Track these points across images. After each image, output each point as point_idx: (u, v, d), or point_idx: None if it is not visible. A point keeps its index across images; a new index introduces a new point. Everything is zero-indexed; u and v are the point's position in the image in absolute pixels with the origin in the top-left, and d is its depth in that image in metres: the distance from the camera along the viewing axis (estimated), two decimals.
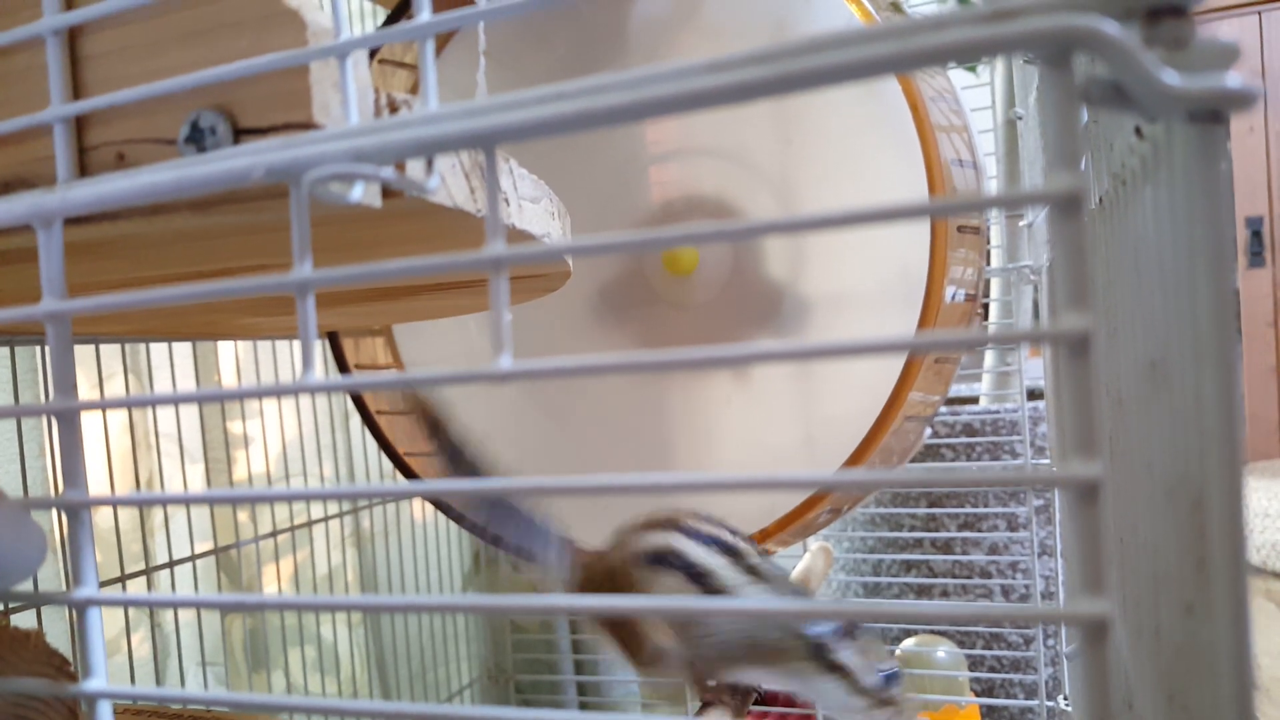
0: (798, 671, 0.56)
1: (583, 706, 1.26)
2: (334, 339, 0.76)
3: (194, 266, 0.38)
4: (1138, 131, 0.26)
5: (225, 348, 0.92)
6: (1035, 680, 0.93)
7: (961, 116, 0.69)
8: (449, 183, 0.26)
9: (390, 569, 1.10)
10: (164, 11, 0.25)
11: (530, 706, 1.26)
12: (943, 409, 1.07)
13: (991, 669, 1.07)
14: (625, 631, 0.56)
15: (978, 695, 1.02)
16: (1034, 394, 1.03)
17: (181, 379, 0.84)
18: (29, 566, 0.26)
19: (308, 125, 0.23)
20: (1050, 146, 0.17)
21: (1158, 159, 0.23)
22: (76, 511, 0.24)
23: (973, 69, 1.23)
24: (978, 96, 1.13)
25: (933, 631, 1.00)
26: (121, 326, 0.62)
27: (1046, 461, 0.98)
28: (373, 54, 0.69)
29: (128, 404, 0.24)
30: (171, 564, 0.74)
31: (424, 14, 0.22)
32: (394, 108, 0.24)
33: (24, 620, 0.63)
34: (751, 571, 0.58)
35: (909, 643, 0.94)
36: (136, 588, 0.74)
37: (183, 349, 0.86)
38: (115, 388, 0.79)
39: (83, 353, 0.75)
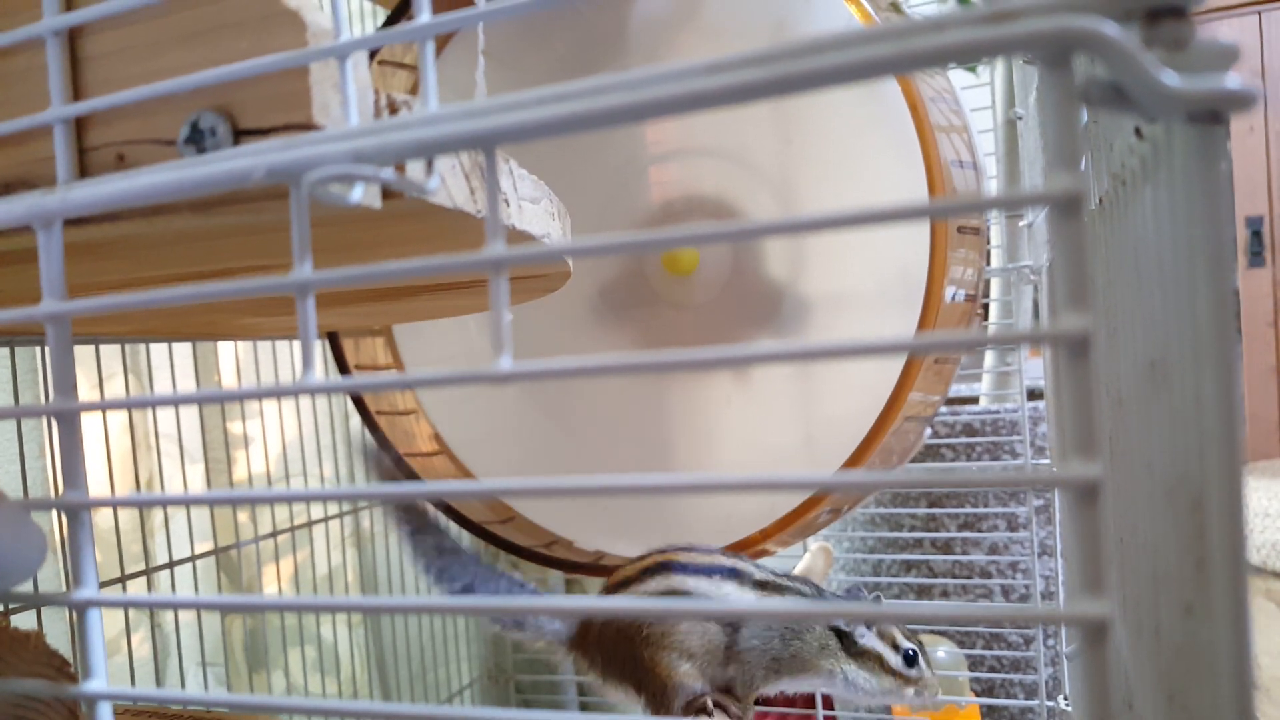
0: (829, 670, 0.56)
1: (583, 707, 1.26)
2: (334, 339, 0.76)
3: (194, 267, 0.38)
4: (1137, 132, 0.26)
5: (225, 348, 0.92)
6: (1035, 680, 0.93)
7: (961, 117, 0.69)
8: (449, 183, 0.26)
9: (390, 569, 1.10)
10: (164, 12, 0.25)
11: (530, 707, 1.26)
12: (943, 409, 1.07)
13: (991, 669, 1.07)
14: (646, 676, 0.56)
15: (978, 695, 1.02)
16: (1034, 394, 1.03)
17: (181, 379, 0.84)
18: (29, 567, 0.26)
19: (308, 126, 0.23)
20: (1050, 147, 0.17)
21: (1157, 159, 0.23)
22: (76, 512, 0.24)
23: (973, 69, 1.23)
24: (977, 97, 1.13)
25: (933, 631, 1.00)
26: (121, 327, 0.62)
27: (1046, 461, 0.98)
28: (373, 55, 0.69)
29: (128, 405, 0.24)
30: (171, 564, 0.74)
31: (424, 15, 0.22)
32: (394, 109, 0.24)
33: (24, 621, 0.63)
34: (761, 586, 0.58)
35: None
36: (136, 588, 0.74)
37: (183, 349, 0.86)
38: (115, 388, 0.79)
39: (83, 353, 0.75)
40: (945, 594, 1.09)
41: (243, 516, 0.88)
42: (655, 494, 0.66)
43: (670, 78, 0.18)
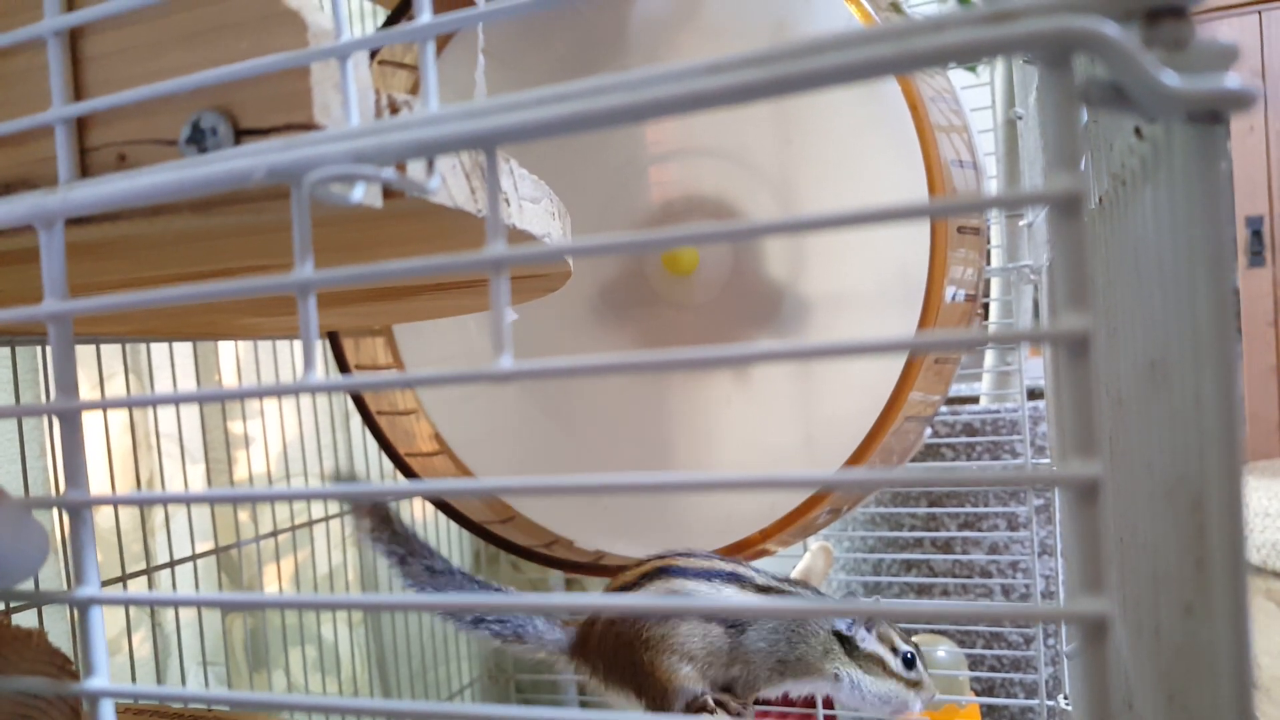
0: (832, 673, 0.57)
1: (583, 706, 1.26)
2: (334, 339, 0.76)
3: (195, 267, 0.38)
4: (1137, 132, 0.26)
5: (226, 348, 0.92)
6: (1035, 680, 0.93)
7: (961, 117, 0.69)
8: (449, 183, 0.26)
9: (390, 569, 1.10)
10: (165, 13, 0.25)
11: (530, 706, 1.26)
12: (943, 409, 1.07)
13: (992, 668, 1.07)
14: (646, 680, 0.56)
15: (978, 694, 1.02)
16: (1034, 394, 1.03)
17: (182, 379, 0.84)
18: (31, 566, 0.26)
19: (309, 126, 0.23)
20: (1050, 147, 0.17)
21: (1157, 159, 0.23)
22: (78, 511, 0.24)
23: (973, 69, 1.23)
24: (978, 96, 1.13)
25: (933, 631, 1.00)
26: (122, 327, 0.62)
27: (1047, 461, 0.98)
28: (373, 55, 0.69)
29: (128, 404, 0.24)
30: (172, 563, 0.74)
31: (425, 15, 0.22)
32: (395, 109, 0.24)
33: (25, 620, 0.63)
34: (763, 591, 0.58)
35: None
36: (137, 587, 0.74)
37: (183, 349, 0.86)
38: (116, 388, 0.79)
39: (83, 353, 0.75)
40: (945, 593, 1.09)
41: (243, 516, 0.88)
42: (653, 492, 0.66)
43: (670, 78, 0.18)
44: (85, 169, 0.25)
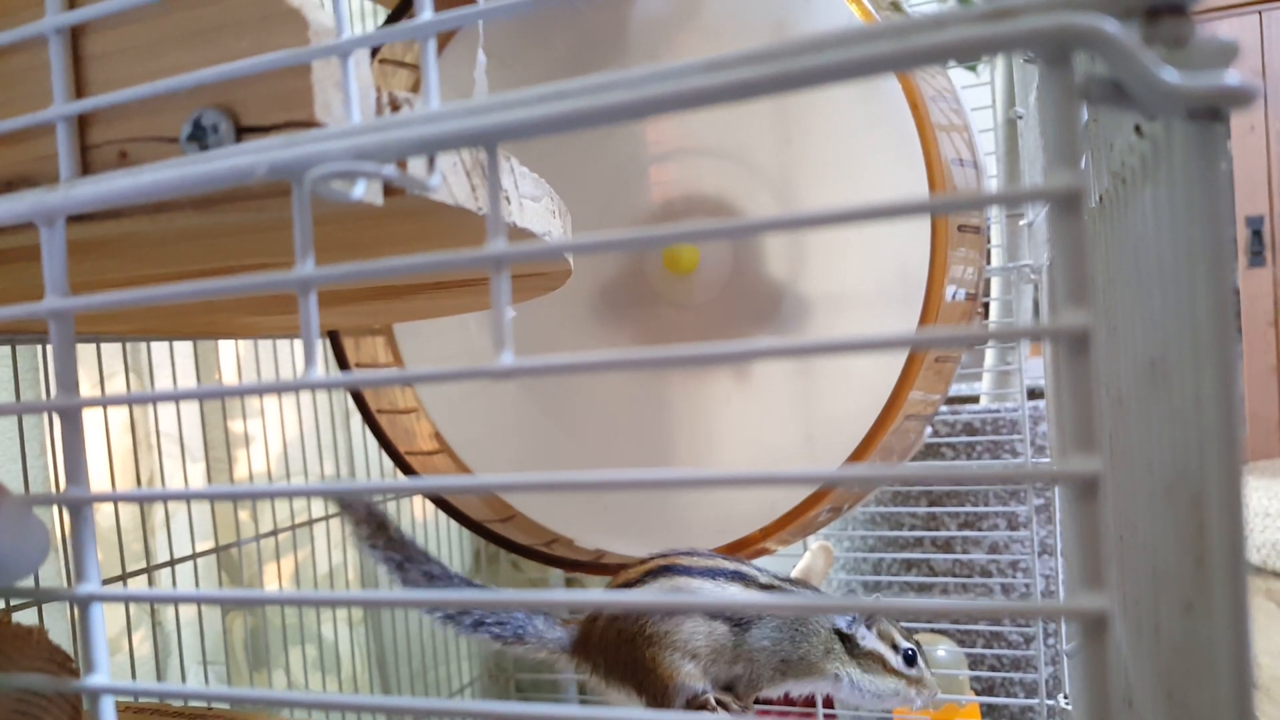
0: (834, 673, 0.57)
1: (583, 705, 1.26)
2: (335, 338, 0.76)
3: (196, 265, 0.38)
4: (1137, 130, 0.26)
5: (226, 347, 0.92)
6: (1035, 679, 0.93)
7: (962, 116, 0.69)
8: (450, 181, 0.26)
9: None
10: (166, 12, 0.25)
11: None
12: (943, 408, 1.07)
13: (992, 667, 1.07)
14: (647, 677, 0.56)
15: (978, 694, 1.03)
16: (1034, 393, 1.03)
17: (182, 378, 0.84)
18: (31, 563, 0.26)
19: (310, 124, 0.23)
20: (1050, 144, 0.17)
21: (1157, 157, 0.23)
22: (78, 508, 0.24)
23: (973, 68, 1.23)
24: (978, 96, 1.13)
25: (933, 630, 1.00)
26: (123, 325, 0.62)
27: (1047, 460, 0.98)
28: (374, 53, 0.69)
29: (129, 401, 0.24)
30: (173, 562, 0.74)
31: (426, 12, 0.22)
32: (395, 106, 0.24)
33: (26, 618, 0.63)
34: (767, 589, 0.58)
35: None
36: (138, 586, 0.74)
37: (183, 348, 0.86)
38: (116, 386, 0.79)
39: (84, 352, 0.75)
40: (946, 592, 1.09)
41: (243, 515, 0.89)
42: (653, 489, 0.66)
43: (670, 75, 0.18)
44: (86, 167, 0.25)
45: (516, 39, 0.73)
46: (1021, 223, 0.85)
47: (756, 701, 0.60)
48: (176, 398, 0.24)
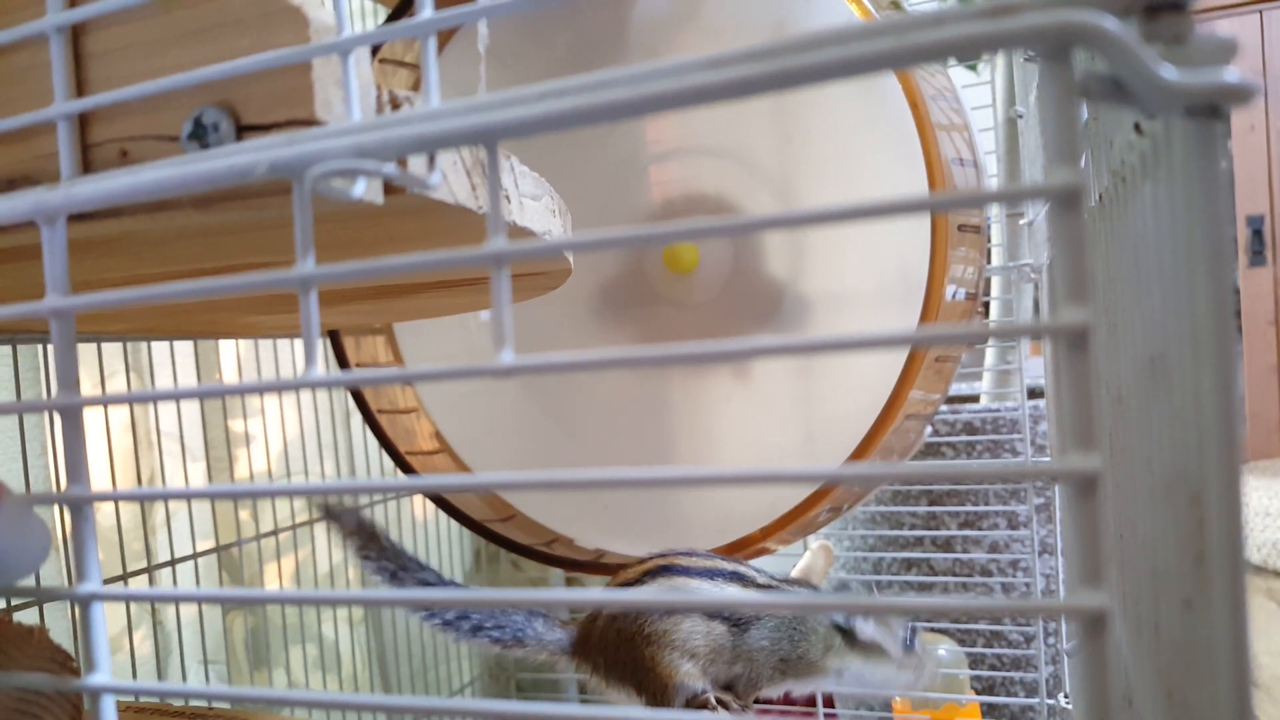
0: (836, 669, 0.57)
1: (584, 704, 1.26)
2: (335, 337, 0.76)
3: (197, 264, 0.38)
4: (1137, 128, 0.26)
5: (227, 346, 0.92)
6: (1036, 678, 0.93)
7: (962, 115, 0.69)
8: (450, 179, 0.26)
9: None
10: (167, 10, 0.25)
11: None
12: (943, 407, 1.07)
13: (992, 667, 1.07)
14: (647, 676, 0.56)
15: (978, 693, 1.03)
16: (1034, 392, 1.03)
17: (183, 377, 0.84)
18: (32, 562, 0.26)
19: (310, 122, 0.23)
20: (1050, 142, 0.17)
21: (1157, 155, 0.23)
22: (79, 507, 0.24)
23: (973, 67, 1.23)
24: (978, 95, 1.13)
25: (934, 629, 1.00)
26: (124, 325, 0.62)
27: (1048, 459, 0.98)
28: (375, 52, 0.69)
29: (130, 399, 0.24)
30: (173, 562, 0.74)
31: (426, 10, 0.22)
32: (396, 104, 0.24)
33: (27, 617, 0.63)
34: (766, 589, 0.58)
35: None
36: (139, 586, 0.74)
37: (184, 348, 0.86)
38: (117, 386, 0.79)
39: (85, 351, 0.75)
40: (946, 592, 1.09)
41: (244, 515, 0.89)
42: (653, 487, 0.66)
43: (670, 73, 0.18)
44: (87, 165, 0.25)
45: (517, 39, 0.73)
46: (1022, 222, 0.85)
47: (757, 701, 0.60)
48: (177, 396, 0.24)
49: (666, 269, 0.72)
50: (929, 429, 0.98)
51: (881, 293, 0.66)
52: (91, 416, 0.73)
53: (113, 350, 0.78)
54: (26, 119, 0.25)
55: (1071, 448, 0.17)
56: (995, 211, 1.01)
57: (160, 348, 0.82)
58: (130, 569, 0.71)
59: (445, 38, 0.72)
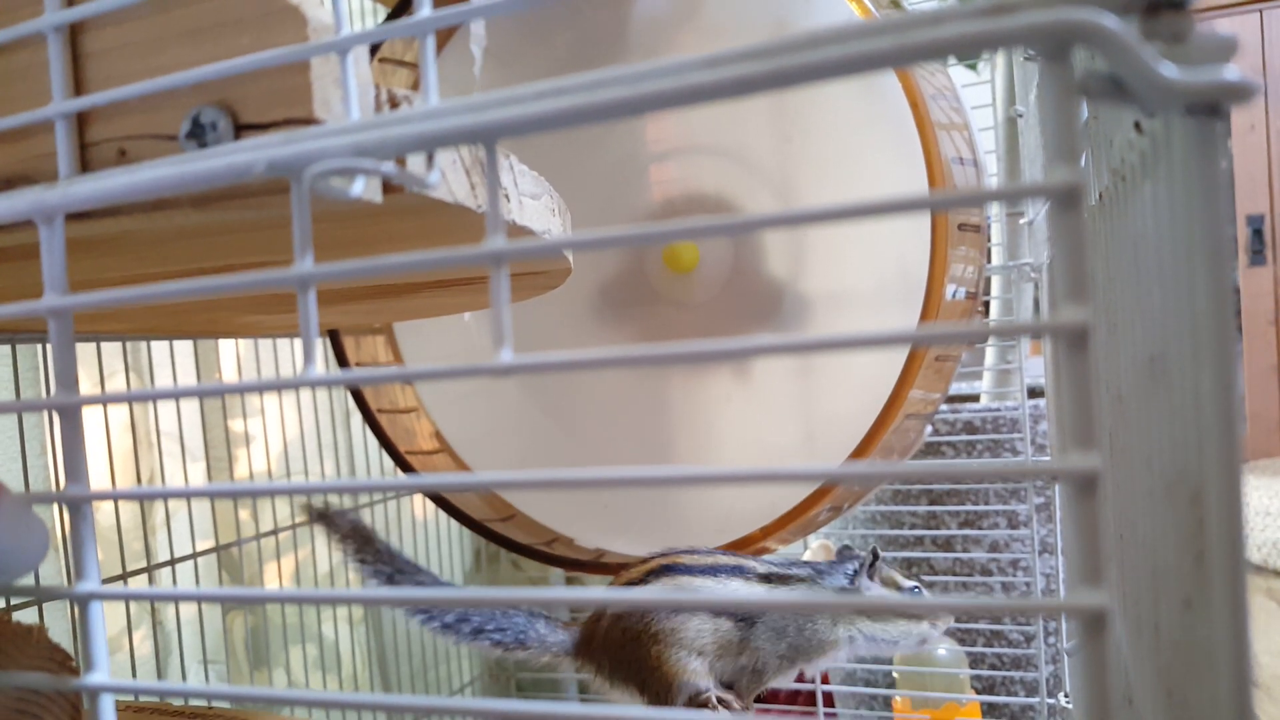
0: (847, 638, 0.57)
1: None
2: (335, 337, 0.76)
3: (195, 264, 0.38)
4: (1137, 127, 0.26)
5: (226, 346, 0.92)
6: (1036, 678, 0.93)
7: (962, 114, 0.69)
8: (449, 178, 0.26)
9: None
10: (165, 9, 0.25)
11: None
12: (943, 407, 1.07)
13: (992, 666, 1.07)
14: (651, 675, 0.56)
15: (979, 692, 1.02)
16: (1035, 392, 1.03)
17: (183, 377, 0.84)
18: (31, 561, 0.26)
19: (309, 121, 0.23)
20: (1050, 140, 0.17)
21: (1156, 154, 0.23)
22: (78, 506, 0.24)
23: (973, 66, 1.23)
24: (978, 94, 1.13)
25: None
26: (123, 325, 0.62)
27: (1048, 459, 0.98)
28: (374, 52, 0.69)
29: (129, 398, 0.24)
30: (173, 561, 0.74)
31: (424, 9, 0.22)
32: (395, 103, 0.24)
33: (26, 617, 0.63)
34: (766, 580, 0.58)
35: None
36: (138, 585, 0.74)
37: (184, 347, 0.86)
38: (117, 386, 0.79)
39: (84, 351, 0.75)
40: (946, 591, 1.09)
41: (244, 514, 0.89)
42: (652, 487, 0.66)
43: (669, 72, 0.18)
44: (85, 164, 0.25)
45: (516, 38, 0.73)
46: (1022, 221, 0.84)
47: (758, 699, 0.60)
48: (176, 395, 0.24)
49: (666, 268, 0.72)
50: (929, 428, 0.98)
51: (882, 292, 0.66)
52: (91, 417, 0.73)
53: (112, 350, 0.78)
54: (24, 118, 0.25)
55: (1071, 447, 0.17)
56: (995, 211, 1.01)
57: (160, 348, 0.82)
58: (130, 569, 0.71)
59: (444, 37, 0.72)
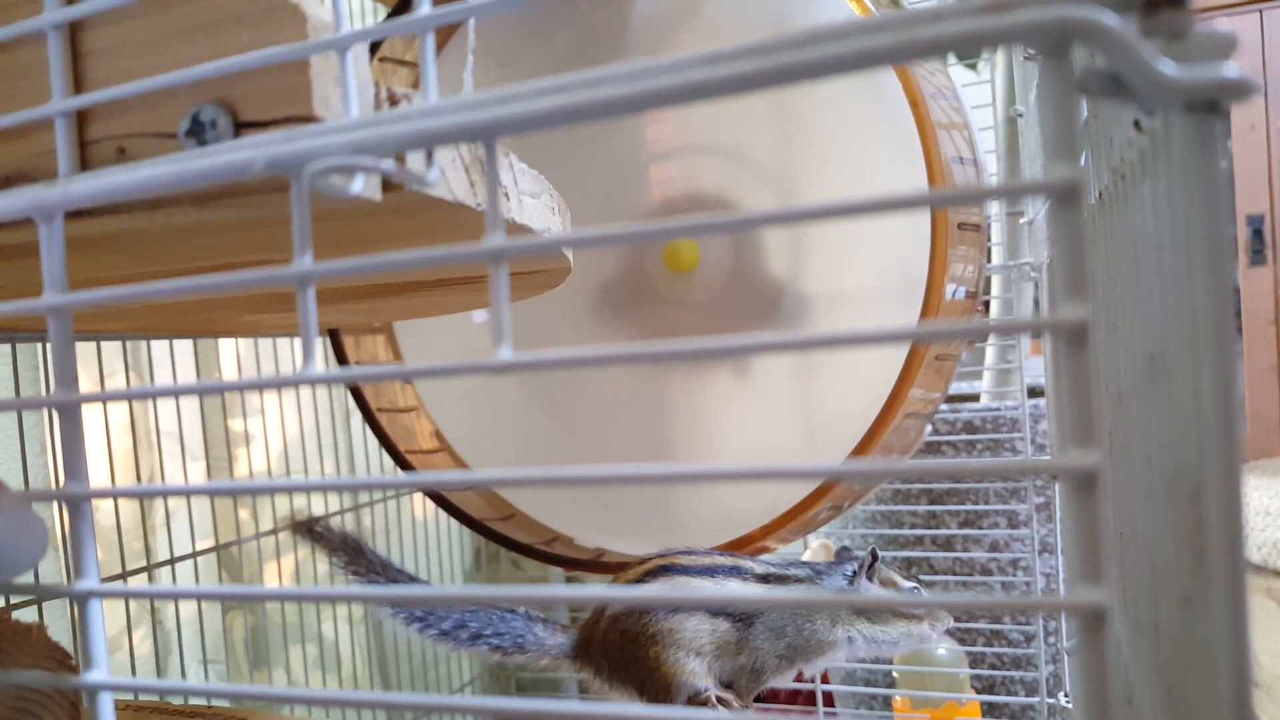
0: (846, 639, 0.57)
1: None
2: (335, 336, 0.76)
3: (195, 262, 0.38)
4: (1137, 125, 0.26)
5: (226, 345, 0.92)
6: (1036, 677, 0.93)
7: (962, 114, 0.69)
8: (449, 176, 0.26)
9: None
10: (165, 7, 0.25)
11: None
12: (943, 406, 1.07)
13: (992, 666, 1.07)
14: (650, 676, 0.56)
15: (978, 692, 1.02)
16: (1035, 391, 1.03)
17: (182, 376, 0.84)
18: (31, 559, 0.26)
19: (308, 118, 0.23)
20: (1049, 139, 0.17)
21: (1156, 152, 0.23)
22: (78, 504, 0.24)
23: (973, 66, 1.23)
24: (978, 94, 1.13)
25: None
26: (123, 324, 0.62)
27: (1047, 457, 0.98)
28: (374, 51, 0.69)
29: (128, 396, 0.24)
30: (173, 560, 0.74)
31: (424, 6, 0.22)
32: (394, 101, 0.24)
33: (26, 615, 0.63)
34: (764, 580, 0.58)
35: None
36: (138, 585, 0.74)
37: (184, 347, 0.86)
38: (116, 385, 0.79)
39: (84, 350, 0.75)
40: (946, 590, 1.09)
41: (244, 514, 0.89)
42: (652, 484, 0.66)
43: (669, 69, 0.18)
44: (85, 162, 0.25)
45: (517, 38, 0.73)
46: (1022, 220, 0.84)
47: (758, 699, 0.60)
48: (175, 393, 0.24)
49: (666, 268, 0.72)
50: (929, 428, 0.98)
51: (882, 291, 0.66)
52: (91, 416, 0.73)
53: (112, 349, 0.78)
54: (24, 116, 0.25)
55: (1071, 444, 0.17)
56: (995, 210, 1.01)
57: (160, 347, 0.82)
58: (130, 568, 0.71)
59: (444, 36, 0.72)
